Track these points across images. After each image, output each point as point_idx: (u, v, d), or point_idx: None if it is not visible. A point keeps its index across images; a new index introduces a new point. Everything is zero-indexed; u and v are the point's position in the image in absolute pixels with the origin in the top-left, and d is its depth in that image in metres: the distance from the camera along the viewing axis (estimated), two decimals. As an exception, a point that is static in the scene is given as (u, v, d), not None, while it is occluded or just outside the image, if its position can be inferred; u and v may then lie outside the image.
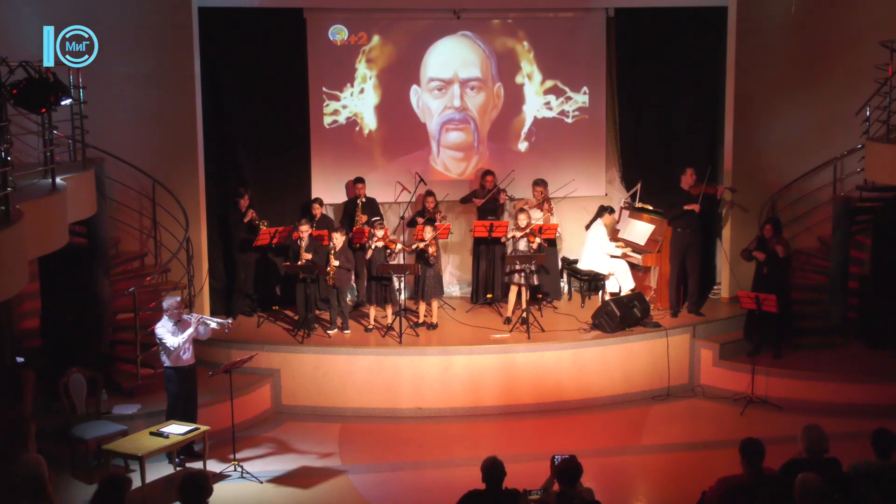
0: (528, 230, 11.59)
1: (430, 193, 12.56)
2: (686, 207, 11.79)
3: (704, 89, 13.03)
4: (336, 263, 11.34)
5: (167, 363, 9.31)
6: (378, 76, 12.90)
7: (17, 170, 8.11)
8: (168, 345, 9.20)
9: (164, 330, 9.25)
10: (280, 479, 9.27)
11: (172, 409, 9.38)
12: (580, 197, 13.21)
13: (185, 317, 9.40)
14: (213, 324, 9.52)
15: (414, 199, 12.68)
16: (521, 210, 11.87)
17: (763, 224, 11.48)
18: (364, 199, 12.42)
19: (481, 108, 13.22)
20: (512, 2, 13.03)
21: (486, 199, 12.51)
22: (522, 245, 11.62)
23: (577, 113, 13.29)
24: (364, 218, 12.19)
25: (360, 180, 12.51)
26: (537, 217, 12.28)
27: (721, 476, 6.20)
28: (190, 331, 9.29)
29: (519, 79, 13.18)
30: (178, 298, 9.53)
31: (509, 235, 11.91)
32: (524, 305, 11.50)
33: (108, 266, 10.82)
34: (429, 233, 11.49)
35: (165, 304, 9.37)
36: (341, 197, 12.89)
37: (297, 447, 10.05)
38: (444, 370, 10.95)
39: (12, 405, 7.91)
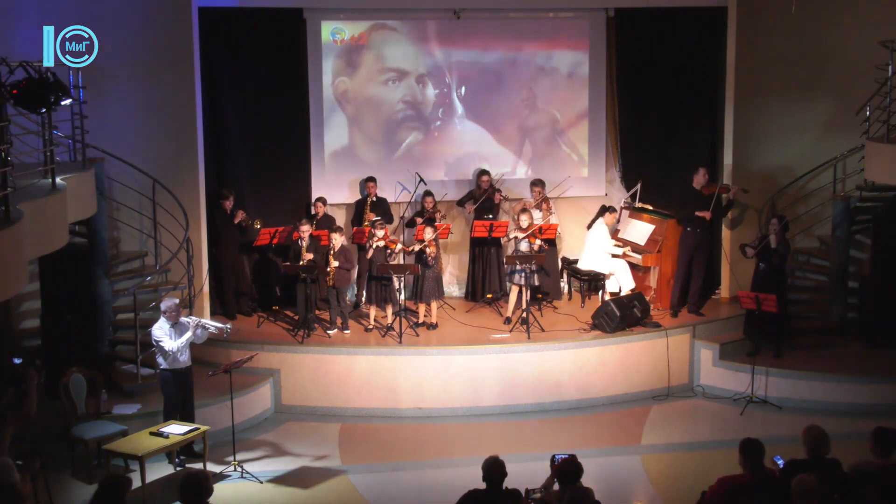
0: (530, 231, 11.59)
1: (428, 193, 12.54)
2: (698, 214, 11.81)
3: (704, 89, 13.02)
4: (335, 264, 11.33)
5: (163, 365, 9.28)
6: (377, 76, 12.89)
7: (17, 170, 8.11)
8: (165, 348, 9.17)
9: (162, 332, 9.22)
10: (280, 479, 9.27)
11: (168, 412, 9.36)
12: (580, 197, 13.21)
13: (182, 319, 9.36)
14: (212, 328, 9.50)
15: (414, 199, 12.66)
16: (524, 210, 11.86)
17: (769, 219, 11.48)
18: (375, 199, 12.41)
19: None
20: (512, 2, 13.01)
21: (480, 201, 12.49)
22: (524, 246, 11.61)
23: (577, 112, 13.28)
24: (373, 216, 12.17)
25: (371, 179, 12.50)
26: (536, 217, 12.26)
27: (721, 476, 6.20)
28: (188, 335, 9.26)
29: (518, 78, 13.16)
30: (177, 300, 9.47)
31: (511, 236, 11.90)
32: (524, 305, 11.50)
33: (108, 266, 10.82)
34: (428, 233, 11.48)
35: (164, 306, 9.33)
36: (340, 197, 12.89)
37: (297, 447, 10.04)
38: (444, 370, 10.95)
39: (17, 405, 7.88)
